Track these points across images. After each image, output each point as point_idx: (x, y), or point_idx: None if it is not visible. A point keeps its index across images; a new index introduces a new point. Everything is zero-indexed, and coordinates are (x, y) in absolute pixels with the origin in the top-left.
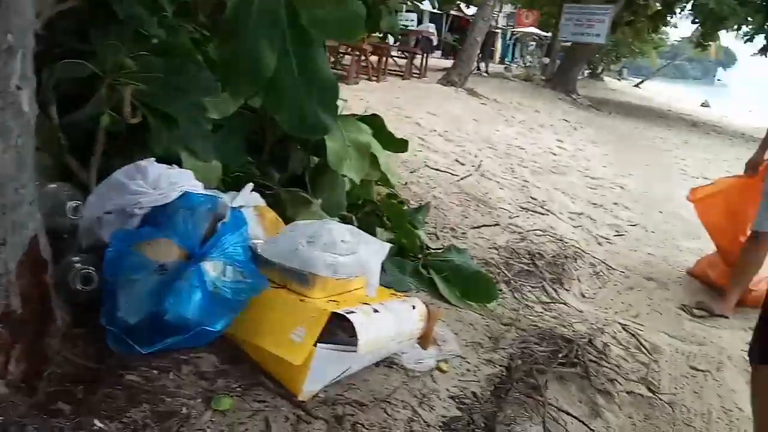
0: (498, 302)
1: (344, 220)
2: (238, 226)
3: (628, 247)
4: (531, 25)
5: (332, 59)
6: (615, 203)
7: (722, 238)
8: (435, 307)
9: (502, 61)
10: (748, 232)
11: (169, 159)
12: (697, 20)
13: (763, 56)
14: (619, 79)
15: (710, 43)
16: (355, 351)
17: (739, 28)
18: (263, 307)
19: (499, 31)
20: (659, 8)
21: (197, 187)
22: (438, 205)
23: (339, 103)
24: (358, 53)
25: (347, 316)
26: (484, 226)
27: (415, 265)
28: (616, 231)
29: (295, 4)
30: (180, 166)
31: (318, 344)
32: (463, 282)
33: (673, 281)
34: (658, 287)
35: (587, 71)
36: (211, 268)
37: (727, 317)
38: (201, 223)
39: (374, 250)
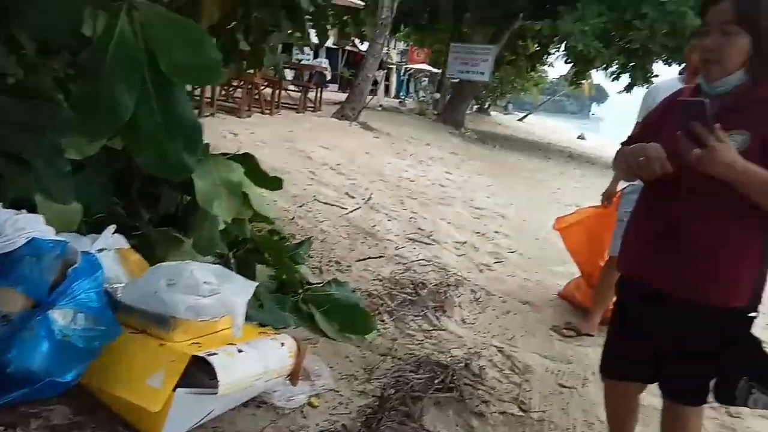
0: (378, 333)
1: (221, 259)
2: (92, 271)
3: (507, 273)
4: (423, 62)
5: (223, 92)
6: (496, 232)
7: (584, 262)
8: (306, 342)
9: (397, 96)
10: (606, 257)
11: (23, 204)
12: (569, 61)
13: (628, 93)
14: (505, 114)
15: (583, 81)
16: (217, 393)
17: (606, 68)
18: (120, 354)
19: (393, 66)
20: (536, 49)
21: (47, 232)
22: (325, 238)
23: (228, 143)
24: (250, 86)
25: (207, 358)
26: (370, 258)
27: (295, 300)
28: (497, 258)
29: (153, 48)
30: (35, 210)
31: (178, 389)
32: (342, 315)
33: (546, 304)
34: (532, 310)
35: (475, 106)
36: (59, 316)
37: (592, 335)
38: (49, 270)
39: (239, 289)
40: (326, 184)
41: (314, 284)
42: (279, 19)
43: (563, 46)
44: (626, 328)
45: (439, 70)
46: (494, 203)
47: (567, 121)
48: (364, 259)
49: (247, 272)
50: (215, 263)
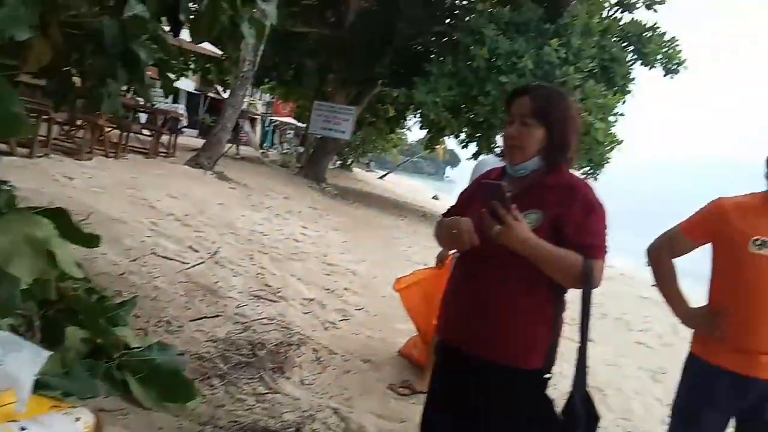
0: (203, 399)
1: (24, 320)
2: None
3: (352, 331)
4: (288, 115)
5: (63, 131)
6: (346, 288)
7: (421, 321)
8: (114, 413)
9: (261, 146)
10: None
11: None
12: (423, 127)
13: (476, 160)
14: (367, 171)
15: (437, 146)
16: None
17: (457, 136)
18: None
19: (258, 117)
20: (394, 114)
21: None
22: (158, 296)
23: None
24: (94, 126)
25: None
26: (206, 317)
27: (108, 366)
28: (344, 315)
29: None
30: None
31: None
32: (161, 382)
33: (387, 362)
34: (372, 369)
35: (339, 162)
36: None
37: (425, 392)
38: None
39: (27, 358)
40: (168, 237)
41: (134, 348)
42: (115, 69)
43: (418, 113)
44: (442, 389)
45: (304, 125)
46: (347, 259)
47: (424, 181)
48: (198, 319)
49: (55, 335)
50: (17, 325)
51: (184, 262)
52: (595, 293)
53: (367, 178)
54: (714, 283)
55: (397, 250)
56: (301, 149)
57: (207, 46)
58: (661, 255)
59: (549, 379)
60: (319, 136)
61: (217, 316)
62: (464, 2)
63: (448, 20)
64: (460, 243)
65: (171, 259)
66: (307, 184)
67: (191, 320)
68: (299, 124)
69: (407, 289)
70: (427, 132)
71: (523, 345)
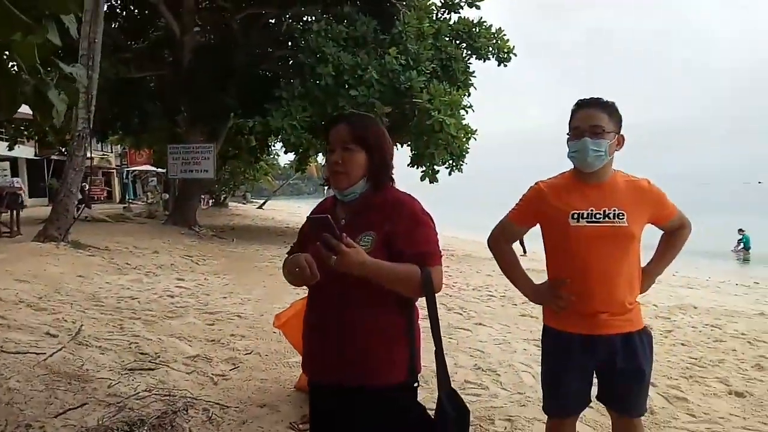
0: None
1: None
2: None
3: (243, 379)
4: (146, 163)
5: None
6: (232, 335)
7: None
8: None
9: (123, 201)
10: None
11: None
12: (287, 151)
13: None
14: (244, 203)
15: (307, 165)
16: None
17: (324, 153)
18: None
19: (114, 171)
20: (255, 144)
21: None
22: (12, 398)
23: None
24: None
25: None
26: (71, 409)
27: None
28: (233, 364)
29: None
30: None
31: None
32: None
33: (284, 401)
34: (269, 412)
35: (211, 200)
36: None
37: None
38: None
39: None
40: (18, 328)
41: None
42: None
43: (278, 138)
44: (316, 426)
45: (165, 170)
46: (231, 303)
47: (305, 202)
48: (63, 413)
49: None
50: None
51: (39, 353)
52: (480, 276)
53: (245, 210)
54: (549, 259)
55: (282, 282)
56: (167, 196)
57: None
58: (500, 244)
59: (417, 387)
60: (181, 179)
61: (85, 404)
62: (299, 25)
63: (288, 44)
64: (304, 279)
65: (24, 353)
66: (179, 231)
67: (55, 416)
68: (160, 170)
69: (287, 323)
70: (294, 154)
71: (383, 363)
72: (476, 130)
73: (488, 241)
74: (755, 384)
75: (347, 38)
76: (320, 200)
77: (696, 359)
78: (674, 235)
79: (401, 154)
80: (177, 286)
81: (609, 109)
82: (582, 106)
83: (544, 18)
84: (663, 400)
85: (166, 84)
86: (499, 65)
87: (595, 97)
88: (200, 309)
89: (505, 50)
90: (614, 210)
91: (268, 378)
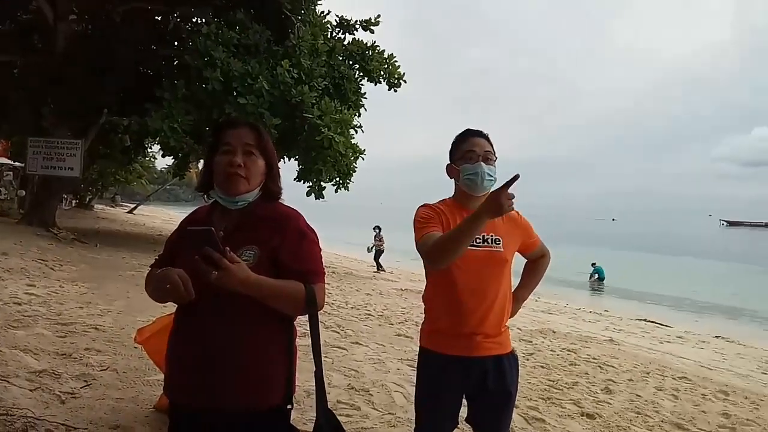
0: None
1: None
2: None
3: (96, 397)
4: (1, 156)
5: None
6: (87, 348)
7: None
8: None
9: None
10: None
11: None
12: (165, 154)
13: None
14: (113, 206)
15: (187, 171)
16: None
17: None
18: None
19: None
20: (128, 144)
21: None
22: None
23: None
24: None
25: None
26: None
27: None
28: (85, 381)
29: None
30: None
31: None
32: None
33: (140, 422)
34: None
35: (75, 201)
36: None
37: None
38: None
39: None
40: None
41: None
42: None
43: (156, 140)
44: None
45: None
46: (87, 314)
47: (182, 209)
48: None
49: None
50: None
51: None
52: (360, 294)
53: (113, 214)
54: (429, 279)
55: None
56: (23, 193)
57: None
58: (432, 243)
59: (291, 409)
60: (41, 176)
61: None
62: (187, 26)
63: (175, 43)
64: (176, 297)
65: None
66: (34, 232)
67: None
68: (18, 164)
69: (150, 339)
70: (173, 158)
71: (260, 385)
72: (364, 150)
73: (426, 254)
74: (604, 406)
75: (238, 45)
76: (202, 204)
77: (553, 381)
78: (537, 263)
79: (288, 168)
80: (26, 293)
81: (491, 141)
82: (474, 134)
83: (433, 50)
84: (523, 420)
85: (35, 72)
86: (389, 89)
87: (479, 129)
88: (51, 319)
89: (396, 76)
90: (492, 235)
91: (125, 397)
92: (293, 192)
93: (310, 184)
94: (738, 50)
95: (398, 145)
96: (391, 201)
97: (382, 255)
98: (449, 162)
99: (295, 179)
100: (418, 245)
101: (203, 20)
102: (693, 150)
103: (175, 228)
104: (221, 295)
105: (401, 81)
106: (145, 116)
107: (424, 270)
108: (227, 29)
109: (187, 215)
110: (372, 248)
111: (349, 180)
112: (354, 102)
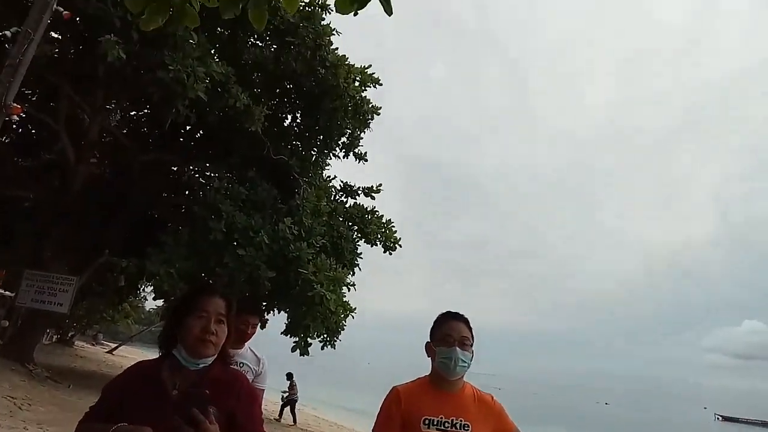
0: None
1: None
2: None
3: None
4: None
5: None
6: None
7: None
8: None
9: None
10: None
11: None
12: (156, 297)
13: None
14: (94, 344)
15: None
16: None
17: None
18: None
19: None
20: (123, 284)
21: None
22: None
23: None
24: None
25: None
26: None
27: None
28: None
29: None
30: None
31: None
32: None
33: None
34: None
35: (56, 336)
36: None
37: None
38: None
39: None
40: None
41: None
42: None
43: (150, 283)
44: None
45: (13, 294)
46: None
47: None
48: None
49: None
50: None
51: None
52: None
53: (93, 353)
54: None
55: None
56: (6, 323)
57: None
58: None
59: None
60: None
61: None
62: (201, 178)
63: (186, 192)
64: None
65: None
66: (9, 366)
67: None
68: (8, 293)
69: None
70: (163, 302)
71: None
72: (355, 308)
73: None
74: None
75: (246, 200)
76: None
77: None
78: None
79: (276, 321)
80: None
81: (470, 325)
82: (453, 317)
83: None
84: None
85: (44, 206)
86: (384, 252)
87: (460, 313)
88: None
89: (392, 240)
90: (461, 420)
91: None
92: (278, 346)
93: (297, 339)
94: (724, 245)
95: (388, 304)
96: (378, 357)
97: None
98: (428, 340)
99: (282, 332)
100: None
101: (216, 174)
102: (684, 339)
103: (118, 375)
104: None
105: (397, 245)
106: (145, 259)
107: None
108: (237, 185)
109: (131, 366)
110: (285, 397)
111: (337, 338)
112: (349, 261)
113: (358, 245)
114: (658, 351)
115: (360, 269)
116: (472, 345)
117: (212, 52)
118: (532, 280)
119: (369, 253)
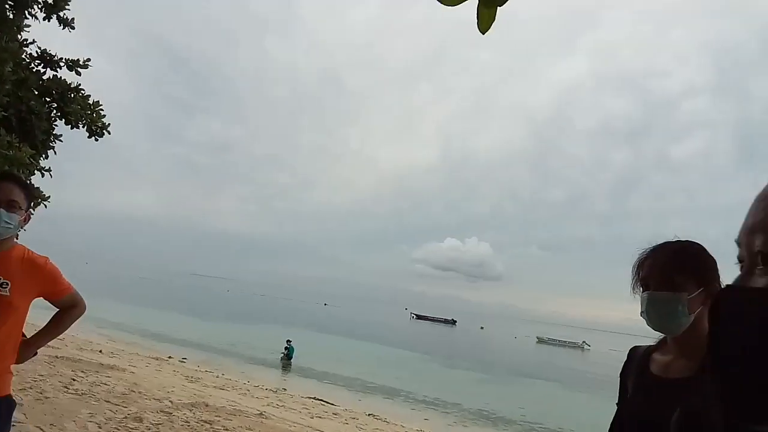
0: None
1: None
2: None
3: None
4: None
5: None
6: None
7: None
8: None
9: None
10: None
11: None
12: None
13: None
14: None
15: None
16: None
17: None
18: None
19: None
20: None
21: None
22: None
23: None
24: None
25: None
26: None
27: None
28: None
29: None
30: None
31: None
32: None
33: None
34: None
35: None
36: None
37: None
38: None
39: None
40: None
41: None
42: None
43: None
44: None
45: None
46: None
47: None
48: None
49: None
50: None
51: None
52: None
53: None
54: None
55: None
56: None
57: None
58: None
59: None
60: None
61: None
62: None
63: None
64: None
65: None
66: None
67: None
68: None
69: None
70: None
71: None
72: (49, 197)
73: None
74: None
75: None
76: None
77: None
78: (65, 312)
79: None
80: None
81: (28, 191)
82: (2, 179)
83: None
84: None
85: None
86: (90, 137)
87: (15, 174)
88: None
89: (98, 125)
90: (0, 278)
91: None
92: None
93: None
94: (440, 174)
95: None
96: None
97: None
98: None
99: None
100: None
101: None
102: (399, 251)
103: None
104: None
105: (105, 131)
106: None
107: None
108: None
109: None
110: None
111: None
112: (42, 142)
113: (55, 125)
114: (377, 261)
115: (55, 153)
116: (23, 209)
117: None
118: (274, 189)
119: (90, 144)
